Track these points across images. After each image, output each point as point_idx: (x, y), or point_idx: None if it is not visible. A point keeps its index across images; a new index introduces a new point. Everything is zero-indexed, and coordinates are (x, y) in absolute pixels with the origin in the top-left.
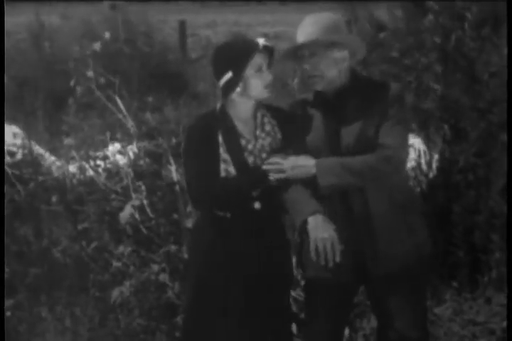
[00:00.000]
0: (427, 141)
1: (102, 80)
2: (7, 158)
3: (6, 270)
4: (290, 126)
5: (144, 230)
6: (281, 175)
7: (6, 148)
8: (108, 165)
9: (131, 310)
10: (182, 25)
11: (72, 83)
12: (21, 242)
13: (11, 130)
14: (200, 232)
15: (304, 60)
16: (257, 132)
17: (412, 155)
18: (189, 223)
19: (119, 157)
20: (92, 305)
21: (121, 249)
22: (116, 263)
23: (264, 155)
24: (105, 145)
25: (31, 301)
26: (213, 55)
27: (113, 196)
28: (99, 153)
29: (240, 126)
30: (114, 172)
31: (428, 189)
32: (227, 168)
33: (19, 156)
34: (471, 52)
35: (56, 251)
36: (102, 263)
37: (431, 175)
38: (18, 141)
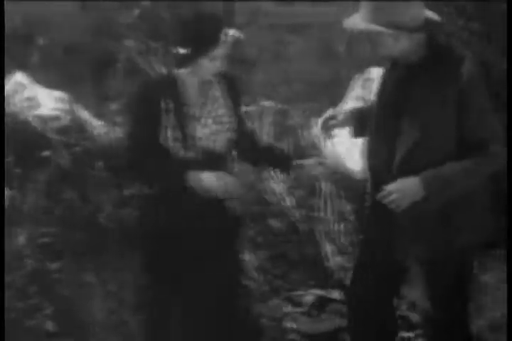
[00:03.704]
0: None
1: (143, 47)
2: (52, 123)
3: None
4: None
5: None
6: (396, 204)
7: (48, 113)
8: None
9: None
10: None
11: (113, 51)
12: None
13: (54, 95)
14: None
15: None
16: (202, 99)
17: None
18: None
19: None
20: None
21: None
22: None
23: (209, 121)
24: None
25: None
26: (185, 22)
27: None
28: None
29: (189, 94)
30: None
31: None
32: (172, 134)
33: (65, 122)
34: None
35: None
36: None
37: None
38: (63, 106)
